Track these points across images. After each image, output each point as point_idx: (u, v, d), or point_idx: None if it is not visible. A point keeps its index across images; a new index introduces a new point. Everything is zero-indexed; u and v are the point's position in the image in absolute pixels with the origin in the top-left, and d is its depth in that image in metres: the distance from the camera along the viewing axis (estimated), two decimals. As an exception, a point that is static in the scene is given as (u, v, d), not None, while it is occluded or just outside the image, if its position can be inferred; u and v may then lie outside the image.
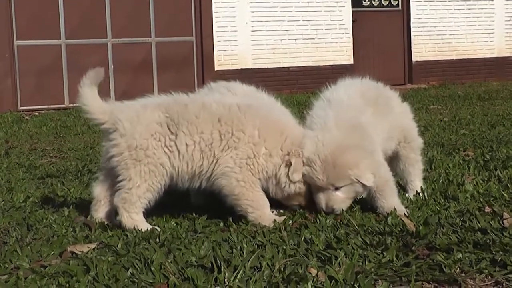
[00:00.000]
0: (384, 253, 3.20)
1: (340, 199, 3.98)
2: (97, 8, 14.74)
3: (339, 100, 4.19)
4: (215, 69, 15.50)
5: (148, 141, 3.95)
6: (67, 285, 3.00)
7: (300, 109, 11.03)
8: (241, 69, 15.68)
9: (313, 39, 16.45)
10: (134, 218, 3.97)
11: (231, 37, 15.69)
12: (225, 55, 15.65)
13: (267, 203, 4.00)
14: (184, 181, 4.03)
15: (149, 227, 3.96)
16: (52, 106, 14.02)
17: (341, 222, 3.82)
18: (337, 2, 16.61)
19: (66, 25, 14.50)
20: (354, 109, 4.13)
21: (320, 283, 2.84)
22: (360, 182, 3.92)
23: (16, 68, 14.23)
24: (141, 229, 3.91)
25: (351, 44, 16.81)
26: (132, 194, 3.96)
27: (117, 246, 3.58)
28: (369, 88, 4.38)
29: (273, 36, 16.06)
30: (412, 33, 17.50)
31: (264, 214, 3.95)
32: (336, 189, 3.96)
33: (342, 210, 3.98)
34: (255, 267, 3.08)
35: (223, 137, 3.95)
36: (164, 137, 3.96)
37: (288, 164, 4.00)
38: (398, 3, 17.51)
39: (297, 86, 16.02)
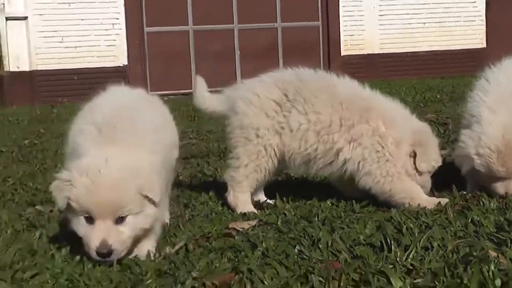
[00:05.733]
0: None
1: None
2: (225, -6, 14.93)
3: (497, 82, 4.03)
4: (342, 54, 15.36)
5: (261, 120, 3.91)
6: (236, 259, 3.01)
7: (434, 94, 10.76)
8: (368, 54, 15.46)
9: (443, 22, 15.96)
10: (239, 198, 3.98)
11: (358, 22, 15.47)
12: (352, 40, 15.46)
13: (419, 188, 3.90)
14: (296, 163, 3.96)
15: (251, 209, 3.93)
16: (180, 91, 14.31)
17: (506, 205, 3.66)
18: (468, -17, 16.05)
19: (194, 12, 14.76)
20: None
21: (502, 265, 2.72)
22: None
23: (145, 54, 14.62)
24: (240, 211, 3.90)
25: (484, 28, 16.18)
26: (239, 172, 3.97)
27: (277, 223, 3.58)
28: None
29: (402, 20, 15.69)
30: (549, 15, 16.66)
31: (422, 200, 3.83)
32: None
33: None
34: (426, 248, 2.98)
35: (343, 122, 3.83)
36: (278, 114, 3.90)
37: (412, 155, 3.88)
38: (535, -17, 16.70)
39: (425, 71, 15.59)
